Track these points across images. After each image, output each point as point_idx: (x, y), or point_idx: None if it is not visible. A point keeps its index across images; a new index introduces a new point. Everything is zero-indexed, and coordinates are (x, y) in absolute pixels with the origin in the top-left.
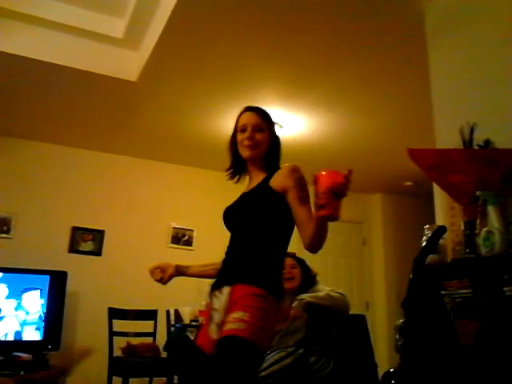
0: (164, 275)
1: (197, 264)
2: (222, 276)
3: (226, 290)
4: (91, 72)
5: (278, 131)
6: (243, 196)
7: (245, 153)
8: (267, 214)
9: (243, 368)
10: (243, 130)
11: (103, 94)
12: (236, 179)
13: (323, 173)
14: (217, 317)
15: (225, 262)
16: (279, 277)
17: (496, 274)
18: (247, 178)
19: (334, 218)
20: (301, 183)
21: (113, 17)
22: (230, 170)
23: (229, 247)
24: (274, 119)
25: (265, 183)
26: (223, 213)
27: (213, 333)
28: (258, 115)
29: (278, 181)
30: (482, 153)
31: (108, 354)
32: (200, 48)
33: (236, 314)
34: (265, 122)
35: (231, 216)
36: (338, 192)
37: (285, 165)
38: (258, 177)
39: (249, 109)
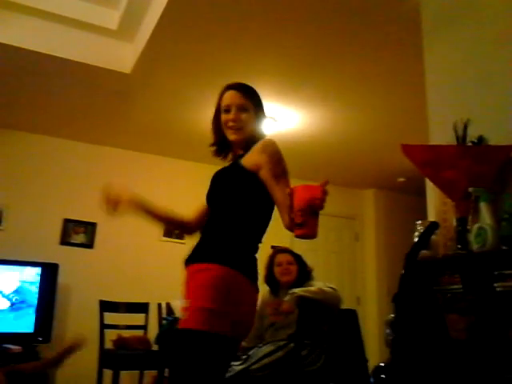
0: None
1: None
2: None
3: (185, 271)
4: (84, 63)
5: (266, 109)
6: (214, 175)
7: (231, 136)
8: (233, 194)
9: (196, 361)
10: (227, 111)
11: (96, 86)
12: (221, 156)
13: (299, 187)
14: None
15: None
16: (248, 254)
17: (487, 270)
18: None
19: (312, 236)
20: (276, 158)
21: (107, 8)
22: (214, 148)
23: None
24: (258, 95)
25: (236, 162)
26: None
27: None
28: (242, 94)
29: (251, 158)
30: (475, 149)
31: (99, 347)
32: (194, 41)
33: (184, 303)
34: (249, 100)
35: (207, 195)
36: (316, 208)
37: (260, 141)
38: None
39: (231, 87)
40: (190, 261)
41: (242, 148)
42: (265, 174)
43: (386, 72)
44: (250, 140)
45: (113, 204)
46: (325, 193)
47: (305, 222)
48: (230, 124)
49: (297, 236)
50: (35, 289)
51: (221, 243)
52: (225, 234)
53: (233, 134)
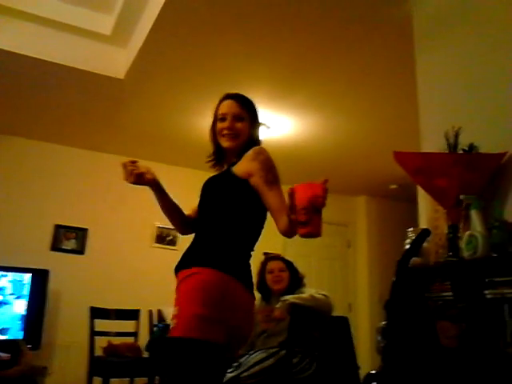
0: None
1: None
2: None
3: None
4: (78, 68)
5: (261, 119)
6: (205, 183)
7: (224, 143)
8: (225, 201)
9: (187, 371)
10: (223, 119)
11: (90, 91)
12: (217, 168)
13: (299, 186)
14: None
15: None
16: (241, 261)
17: (477, 277)
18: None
19: (317, 234)
20: (268, 165)
21: (101, 13)
22: (212, 159)
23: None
24: (255, 106)
25: (228, 169)
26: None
27: None
28: (239, 103)
29: (243, 166)
30: (466, 157)
31: (89, 354)
32: (188, 47)
33: (174, 311)
34: (245, 110)
35: (199, 202)
36: (318, 206)
37: (252, 148)
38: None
39: (229, 96)
40: (180, 267)
41: (236, 157)
42: (257, 181)
43: (379, 79)
44: (244, 149)
45: (136, 174)
46: (326, 190)
47: (309, 220)
48: (225, 132)
49: (302, 235)
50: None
51: (213, 249)
52: (217, 241)
53: (226, 142)
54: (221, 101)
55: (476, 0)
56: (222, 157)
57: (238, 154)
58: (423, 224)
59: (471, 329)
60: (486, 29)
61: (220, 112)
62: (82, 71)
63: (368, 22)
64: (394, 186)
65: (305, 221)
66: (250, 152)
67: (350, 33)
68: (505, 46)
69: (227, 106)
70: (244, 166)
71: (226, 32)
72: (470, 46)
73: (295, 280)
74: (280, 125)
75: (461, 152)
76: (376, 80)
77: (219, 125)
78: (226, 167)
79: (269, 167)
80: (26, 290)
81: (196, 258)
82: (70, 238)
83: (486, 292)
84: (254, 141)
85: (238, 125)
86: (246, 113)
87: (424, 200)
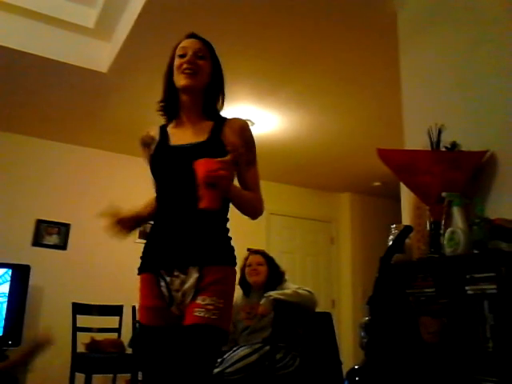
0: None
1: (138, 208)
2: (181, 253)
3: (194, 271)
4: (60, 61)
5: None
6: (196, 146)
7: (182, 80)
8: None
9: (214, 356)
10: (183, 55)
11: (72, 85)
12: (166, 116)
13: (200, 161)
14: (179, 298)
15: (176, 231)
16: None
17: (459, 273)
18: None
19: (212, 209)
20: (250, 144)
21: (84, 6)
22: (162, 105)
23: (175, 209)
24: (217, 56)
25: (216, 136)
26: (161, 156)
27: (176, 311)
28: (201, 42)
29: (229, 137)
30: (449, 155)
31: (71, 350)
32: (172, 40)
33: (210, 300)
34: (208, 50)
35: (181, 166)
36: (210, 182)
37: (236, 119)
38: (199, 121)
39: (191, 36)
40: (205, 262)
41: (201, 111)
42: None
43: (363, 77)
44: (208, 102)
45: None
46: (220, 164)
47: (203, 195)
48: (185, 66)
49: (199, 209)
50: None
51: (227, 240)
52: (225, 226)
53: (184, 79)
54: (181, 41)
55: None
56: (173, 102)
57: (204, 107)
58: (406, 221)
59: (452, 324)
60: (469, 28)
61: (179, 49)
62: (64, 64)
63: (353, 20)
64: (377, 183)
65: (200, 196)
66: (237, 126)
67: (335, 31)
68: (488, 45)
69: (188, 43)
70: (230, 139)
71: (210, 27)
72: (454, 44)
73: (274, 275)
74: (264, 121)
75: (443, 150)
76: (360, 78)
77: (178, 61)
78: (184, 119)
79: (251, 146)
80: (7, 286)
81: (226, 256)
82: (52, 233)
83: (467, 288)
84: (218, 90)
85: (200, 62)
86: (209, 53)
87: (407, 197)
